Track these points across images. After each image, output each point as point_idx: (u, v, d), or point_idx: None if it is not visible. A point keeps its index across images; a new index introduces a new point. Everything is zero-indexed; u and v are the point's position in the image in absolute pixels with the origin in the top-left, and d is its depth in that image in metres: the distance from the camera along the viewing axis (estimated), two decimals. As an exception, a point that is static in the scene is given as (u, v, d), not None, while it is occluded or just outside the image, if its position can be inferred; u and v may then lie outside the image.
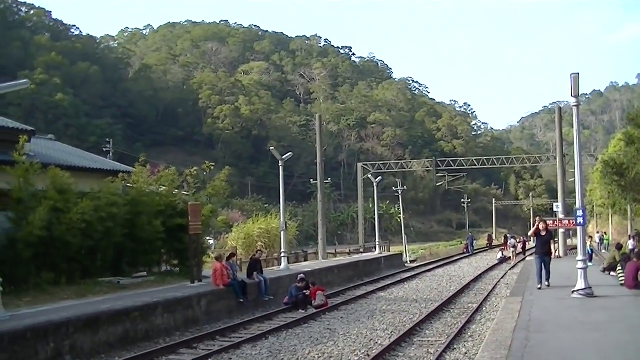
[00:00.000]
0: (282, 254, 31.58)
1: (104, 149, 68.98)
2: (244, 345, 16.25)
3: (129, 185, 26.78)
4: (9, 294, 16.94)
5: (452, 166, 79.02)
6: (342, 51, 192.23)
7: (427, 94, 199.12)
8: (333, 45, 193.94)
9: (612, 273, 24.09)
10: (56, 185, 22.03)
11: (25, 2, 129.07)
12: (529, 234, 23.55)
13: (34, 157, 22.60)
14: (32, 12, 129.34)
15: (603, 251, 50.89)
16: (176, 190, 27.96)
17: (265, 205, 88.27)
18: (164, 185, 27.41)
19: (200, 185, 29.72)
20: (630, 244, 32.41)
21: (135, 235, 24.55)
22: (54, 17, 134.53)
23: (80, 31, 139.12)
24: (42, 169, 21.81)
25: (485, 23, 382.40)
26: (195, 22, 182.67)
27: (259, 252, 27.31)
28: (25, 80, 18.33)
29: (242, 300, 21.67)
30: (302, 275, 24.25)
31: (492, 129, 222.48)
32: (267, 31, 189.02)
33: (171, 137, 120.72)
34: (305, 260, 45.03)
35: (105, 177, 25.67)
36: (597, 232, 65.30)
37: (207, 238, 34.16)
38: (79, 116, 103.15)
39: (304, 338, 17.13)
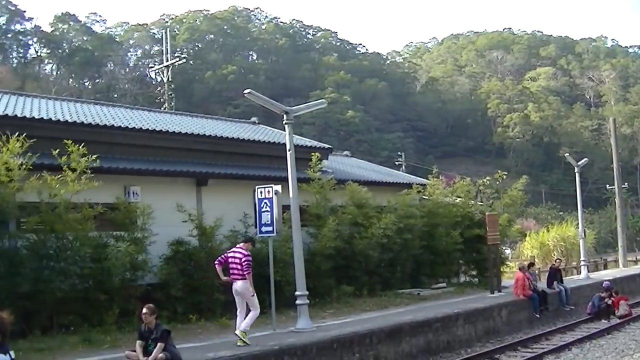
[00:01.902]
0: (582, 263, 31.49)
1: (396, 163, 71.95)
2: (546, 357, 16.35)
3: (424, 197, 27.67)
4: (313, 306, 18.57)
5: None
6: (630, 50, 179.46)
7: None
8: (621, 45, 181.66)
9: None
10: (354, 200, 23.67)
11: (312, 25, 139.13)
12: None
13: (331, 174, 24.37)
14: (319, 34, 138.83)
15: None
16: (472, 201, 28.47)
17: (560, 213, 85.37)
18: (459, 196, 28.28)
19: (495, 195, 29.98)
20: None
21: (432, 246, 26.23)
22: (340, 37, 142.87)
23: (367, 49, 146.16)
24: (340, 184, 23.97)
25: None
26: (479, 32, 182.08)
27: (558, 261, 26.93)
28: (322, 100, 20.08)
29: (537, 316, 21.51)
30: (607, 283, 23.42)
31: None
32: (551, 35, 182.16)
33: (461, 147, 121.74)
34: (605, 269, 43.79)
35: (400, 190, 27.23)
36: None
37: (504, 248, 34.02)
38: (370, 131, 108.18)
39: (609, 349, 16.79)
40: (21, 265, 15.81)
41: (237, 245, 15.45)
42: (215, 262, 15.25)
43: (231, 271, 14.89)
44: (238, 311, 14.91)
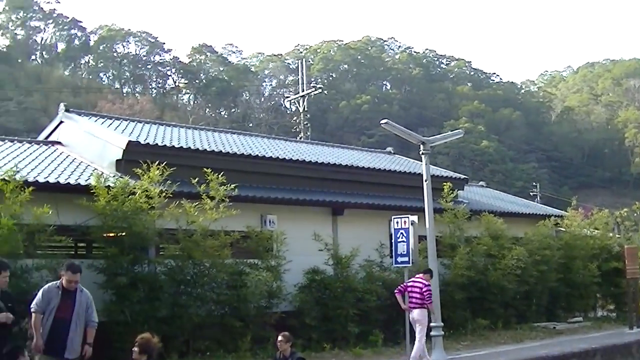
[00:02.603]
0: None
1: (531, 193, 70.38)
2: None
3: (560, 229, 27.15)
4: (448, 338, 18.57)
5: None
6: None
7: None
8: None
9: None
10: (490, 231, 23.31)
11: (445, 55, 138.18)
12: None
13: (466, 204, 24.13)
14: (453, 63, 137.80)
15: None
16: (610, 233, 27.90)
17: None
18: (597, 228, 27.49)
19: (634, 227, 29.30)
20: None
21: (569, 279, 26.00)
22: (474, 66, 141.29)
23: (500, 78, 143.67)
24: (476, 215, 23.85)
25: None
26: (615, 60, 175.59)
27: None
28: (458, 130, 20.09)
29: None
30: None
31: None
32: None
33: (598, 178, 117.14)
34: None
35: (536, 222, 26.94)
36: None
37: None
38: (504, 161, 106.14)
39: None
40: (160, 290, 16.46)
41: (417, 275, 16.30)
42: (396, 291, 16.33)
43: (410, 300, 15.94)
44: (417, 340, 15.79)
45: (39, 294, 9.99)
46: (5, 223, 14.04)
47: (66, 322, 9.92)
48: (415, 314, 15.71)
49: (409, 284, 16.07)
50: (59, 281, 10.17)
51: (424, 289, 15.65)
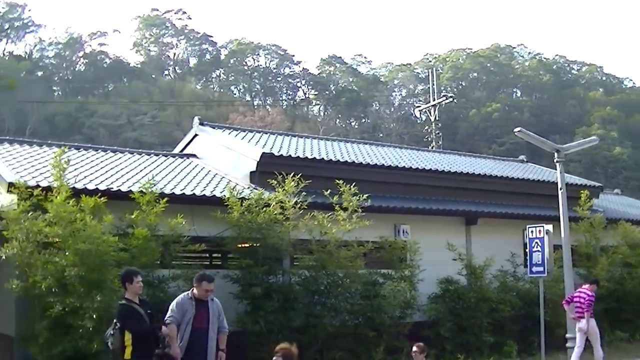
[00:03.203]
0: None
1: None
2: None
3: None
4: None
5: None
6: None
7: None
8: None
9: None
10: (627, 240, 23.32)
11: (576, 60, 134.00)
12: None
13: (602, 212, 23.94)
14: (584, 69, 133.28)
15: None
16: None
17: None
18: None
19: None
20: None
21: None
22: (606, 71, 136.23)
23: (634, 82, 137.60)
24: (611, 223, 23.64)
25: None
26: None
27: None
28: (593, 138, 19.80)
29: None
30: None
31: None
32: None
33: None
34: None
35: None
36: None
37: None
38: (639, 168, 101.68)
39: None
40: (294, 300, 16.82)
41: (583, 286, 16.92)
42: (564, 302, 16.92)
43: (575, 310, 16.56)
44: (576, 346, 16.53)
45: (173, 305, 10.46)
46: (141, 234, 14.64)
47: (203, 331, 10.39)
48: (582, 324, 16.29)
49: (575, 294, 16.61)
50: (189, 292, 10.62)
51: (586, 299, 16.30)
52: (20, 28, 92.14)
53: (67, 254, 13.49)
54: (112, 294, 12.98)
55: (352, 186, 17.58)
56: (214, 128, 23.90)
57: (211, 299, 10.61)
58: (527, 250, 17.68)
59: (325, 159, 21.04)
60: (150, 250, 14.81)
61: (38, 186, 14.52)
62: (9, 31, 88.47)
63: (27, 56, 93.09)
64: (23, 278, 13.59)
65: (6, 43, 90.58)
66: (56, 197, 13.84)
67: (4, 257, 13.56)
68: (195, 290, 10.49)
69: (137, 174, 18.63)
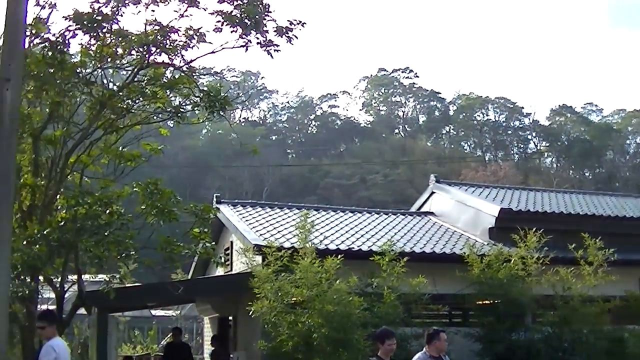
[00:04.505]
0: None
1: None
2: None
3: None
4: None
5: None
6: None
7: None
8: None
9: None
10: None
11: None
12: None
13: None
14: None
15: None
16: None
17: None
18: None
19: None
20: None
21: None
22: None
23: None
24: None
25: None
26: None
27: None
28: None
29: None
30: None
31: None
32: None
33: None
34: None
35: None
36: None
37: None
38: None
39: None
40: (537, 357, 16.45)
41: None
42: None
43: None
44: None
45: None
46: (389, 296, 15.04)
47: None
48: None
49: None
50: (425, 349, 10.60)
51: None
52: (255, 95, 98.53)
53: (312, 314, 14.06)
54: (358, 353, 13.44)
55: (597, 240, 17.12)
56: (450, 185, 24.19)
57: (445, 354, 10.65)
58: None
59: (565, 212, 20.66)
60: (393, 310, 15.11)
61: (282, 248, 15.32)
62: (244, 99, 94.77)
63: (261, 122, 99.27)
64: (269, 337, 14.34)
65: (241, 110, 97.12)
66: (302, 258, 14.53)
67: (252, 315, 14.46)
68: (427, 348, 10.51)
69: (375, 233, 19.20)
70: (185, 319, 36.16)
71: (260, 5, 12.85)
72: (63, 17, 12.36)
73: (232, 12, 12.80)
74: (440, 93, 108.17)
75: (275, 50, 13.12)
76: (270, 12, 12.97)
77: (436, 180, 24.20)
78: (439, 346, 10.50)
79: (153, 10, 12.94)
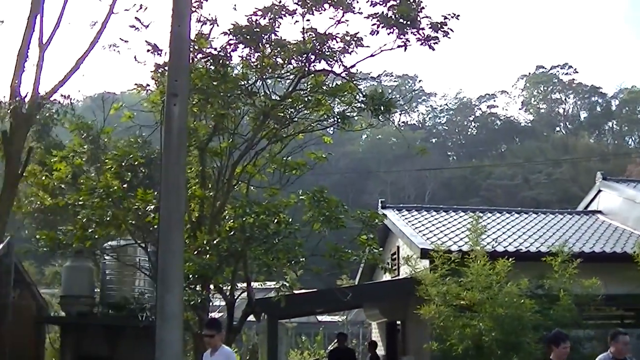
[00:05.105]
0: None
1: None
2: None
3: None
4: None
5: None
6: None
7: None
8: None
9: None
10: None
11: None
12: None
13: None
14: None
15: None
16: None
17: None
18: None
19: None
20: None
21: None
22: None
23: None
24: None
25: None
26: None
27: None
28: None
29: None
30: None
31: None
32: None
33: None
34: None
35: None
36: None
37: None
38: None
39: None
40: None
41: None
42: None
43: None
44: None
45: None
46: (565, 299, 14.44)
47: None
48: None
49: None
50: (608, 352, 10.15)
51: None
52: (413, 98, 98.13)
53: (483, 317, 13.84)
54: (529, 357, 13.12)
55: None
56: (617, 182, 23.15)
57: (631, 357, 10.11)
58: None
59: None
60: (569, 312, 14.52)
61: (450, 251, 15.20)
62: (403, 103, 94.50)
63: (420, 125, 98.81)
64: (440, 340, 14.21)
65: (400, 114, 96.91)
66: (472, 261, 14.33)
67: (422, 317, 14.34)
68: (612, 349, 10.06)
69: (543, 233, 18.77)
70: (352, 325, 36.33)
71: (414, 4, 12.74)
72: (223, 32, 12.80)
73: (386, 13, 12.76)
74: (601, 88, 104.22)
75: (434, 42, 13.03)
76: (424, 8, 12.89)
77: (603, 177, 23.13)
78: (618, 348, 10.00)
79: (309, 20, 13.11)
